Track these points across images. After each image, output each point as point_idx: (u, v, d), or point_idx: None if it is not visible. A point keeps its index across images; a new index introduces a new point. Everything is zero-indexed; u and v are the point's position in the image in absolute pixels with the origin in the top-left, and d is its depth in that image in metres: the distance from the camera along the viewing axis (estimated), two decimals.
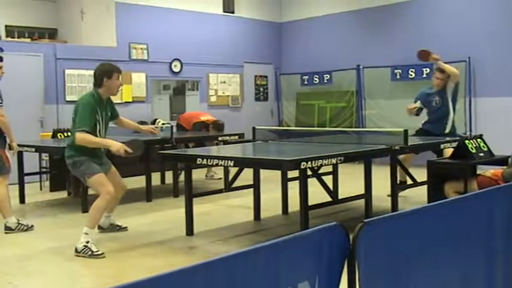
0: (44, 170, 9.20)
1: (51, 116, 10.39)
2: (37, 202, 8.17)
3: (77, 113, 5.52)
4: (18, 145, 7.52)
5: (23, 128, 9.68)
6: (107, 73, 5.60)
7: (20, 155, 7.90)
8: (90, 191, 7.67)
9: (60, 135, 8.93)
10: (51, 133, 9.16)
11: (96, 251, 5.28)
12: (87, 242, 5.32)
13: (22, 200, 7.99)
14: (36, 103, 10.26)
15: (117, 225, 6.25)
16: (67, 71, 10.60)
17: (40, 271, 5.00)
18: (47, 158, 9.13)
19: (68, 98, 10.60)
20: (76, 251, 5.30)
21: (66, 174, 8.49)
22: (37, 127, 10.17)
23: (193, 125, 9.91)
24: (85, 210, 7.21)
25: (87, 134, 5.44)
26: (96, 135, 5.56)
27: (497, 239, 2.97)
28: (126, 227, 6.26)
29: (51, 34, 12.35)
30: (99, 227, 6.00)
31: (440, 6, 11.35)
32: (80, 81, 10.73)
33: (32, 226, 6.43)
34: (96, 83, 5.66)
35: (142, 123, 11.22)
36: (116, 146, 5.46)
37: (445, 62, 7.79)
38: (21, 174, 7.99)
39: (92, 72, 10.56)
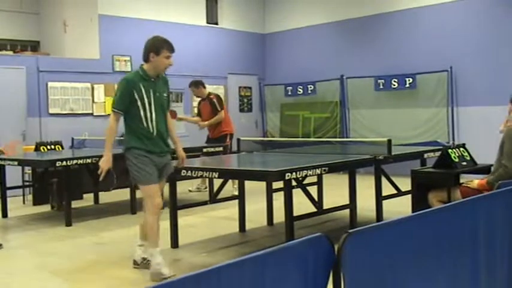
0: (27, 183, 9.11)
1: (34, 129, 10.32)
2: (20, 216, 8.08)
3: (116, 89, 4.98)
4: (0, 159, 7.48)
5: (5, 141, 9.62)
6: (155, 49, 4.91)
7: (2, 169, 7.83)
8: (74, 204, 7.65)
9: (43, 149, 8.87)
10: (33, 146, 9.09)
11: (168, 274, 4.79)
12: (158, 265, 4.85)
13: (5, 214, 7.90)
14: (18, 116, 10.18)
15: (148, 260, 5.10)
16: (50, 84, 10.54)
17: (24, 286, 4.94)
18: (30, 171, 9.06)
19: (51, 111, 10.54)
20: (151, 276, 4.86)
21: (49, 187, 8.44)
22: (20, 140, 10.08)
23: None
24: (68, 223, 7.17)
25: (114, 116, 4.90)
26: (142, 122, 4.89)
27: (481, 247, 2.99)
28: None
29: (34, 47, 12.29)
30: (135, 262, 5.22)
31: (422, 16, 11.47)
32: (63, 94, 10.67)
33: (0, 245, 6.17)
34: (143, 56, 4.99)
35: None
36: (105, 161, 4.95)
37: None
38: (4, 188, 7.91)
39: (75, 84, 10.74)
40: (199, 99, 9.87)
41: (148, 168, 4.92)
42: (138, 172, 4.91)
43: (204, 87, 9.66)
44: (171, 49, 4.95)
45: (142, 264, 5.14)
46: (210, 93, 9.61)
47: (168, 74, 12.88)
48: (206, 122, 9.48)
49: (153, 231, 4.91)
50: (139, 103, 4.86)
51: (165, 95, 5.07)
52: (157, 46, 4.91)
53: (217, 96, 9.60)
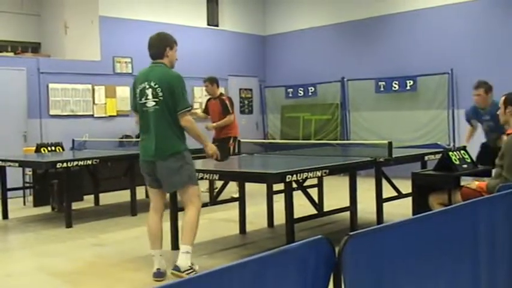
0: (28, 185, 9.11)
1: (34, 131, 10.32)
2: (20, 217, 8.08)
3: (176, 89, 4.72)
4: (1, 160, 7.45)
5: (6, 143, 9.63)
6: (169, 43, 4.87)
7: (2, 170, 7.83)
8: (75, 206, 7.65)
9: (44, 150, 8.87)
10: (34, 148, 9.10)
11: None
12: (193, 264, 4.82)
13: (5, 215, 7.90)
14: (19, 117, 10.19)
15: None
16: (50, 85, 10.55)
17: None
18: (31, 172, 9.06)
19: (51, 112, 10.55)
20: (178, 270, 4.73)
21: (49, 189, 8.44)
22: (20, 142, 10.09)
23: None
24: (69, 225, 7.17)
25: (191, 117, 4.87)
26: None
27: (482, 250, 2.99)
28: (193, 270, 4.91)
29: (35, 48, 12.30)
30: (176, 268, 4.84)
31: (423, 19, 11.47)
32: (63, 95, 10.67)
33: None
34: (156, 53, 4.84)
35: (127, 137, 11.20)
36: (213, 148, 5.07)
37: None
38: (4, 189, 7.92)
39: (75, 86, 10.74)
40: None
41: None
42: (194, 173, 4.96)
43: (218, 86, 9.62)
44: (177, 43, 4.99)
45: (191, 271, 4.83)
46: (222, 94, 9.57)
47: None
48: (214, 124, 9.43)
49: (196, 229, 4.91)
50: None
51: None
52: (171, 40, 4.90)
53: (230, 99, 9.52)
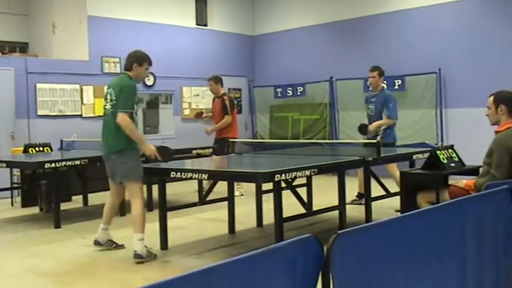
0: (16, 185, 9.06)
1: (22, 131, 10.26)
2: (8, 218, 8.04)
3: (121, 93, 5.46)
4: None
5: None
6: (138, 59, 5.63)
7: None
8: (63, 206, 7.61)
9: (32, 150, 8.82)
10: (22, 148, 9.05)
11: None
12: (150, 248, 5.61)
13: None
14: (7, 118, 10.12)
15: (114, 242, 5.97)
16: (38, 85, 10.49)
17: None
18: (18, 173, 9.01)
19: (39, 113, 10.48)
20: (140, 257, 5.40)
21: (38, 189, 8.40)
22: (8, 142, 10.03)
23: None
24: (57, 225, 7.14)
25: (130, 118, 5.43)
26: (135, 124, 5.58)
27: (469, 248, 3.01)
28: (122, 245, 5.97)
29: (22, 48, 12.22)
30: (96, 242, 5.93)
31: (411, 18, 11.53)
32: (51, 95, 10.61)
33: None
34: (125, 66, 5.68)
35: None
36: (151, 149, 5.60)
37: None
38: None
39: (64, 86, 10.68)
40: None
41: None
42: (136, 169, 5.57)
43: (222, 86, 9.62)
44: (151, 63, 5.74)
45: (106, 245, 5.91)
46: (224, 93, 9.56)
47: (158, 75, 12.84)
48: (212, 128, 9.46)
49: (143, 219, 5.53)
50: (135, 106, 5.62)
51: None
52: (141, 58, 5.65)
53: (231, 99, 9.51)
